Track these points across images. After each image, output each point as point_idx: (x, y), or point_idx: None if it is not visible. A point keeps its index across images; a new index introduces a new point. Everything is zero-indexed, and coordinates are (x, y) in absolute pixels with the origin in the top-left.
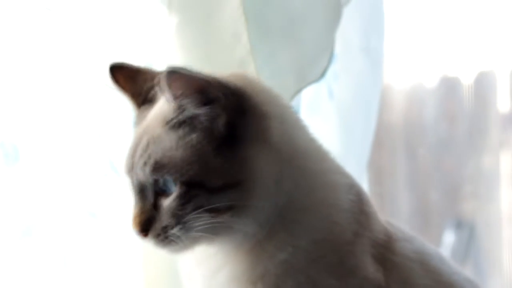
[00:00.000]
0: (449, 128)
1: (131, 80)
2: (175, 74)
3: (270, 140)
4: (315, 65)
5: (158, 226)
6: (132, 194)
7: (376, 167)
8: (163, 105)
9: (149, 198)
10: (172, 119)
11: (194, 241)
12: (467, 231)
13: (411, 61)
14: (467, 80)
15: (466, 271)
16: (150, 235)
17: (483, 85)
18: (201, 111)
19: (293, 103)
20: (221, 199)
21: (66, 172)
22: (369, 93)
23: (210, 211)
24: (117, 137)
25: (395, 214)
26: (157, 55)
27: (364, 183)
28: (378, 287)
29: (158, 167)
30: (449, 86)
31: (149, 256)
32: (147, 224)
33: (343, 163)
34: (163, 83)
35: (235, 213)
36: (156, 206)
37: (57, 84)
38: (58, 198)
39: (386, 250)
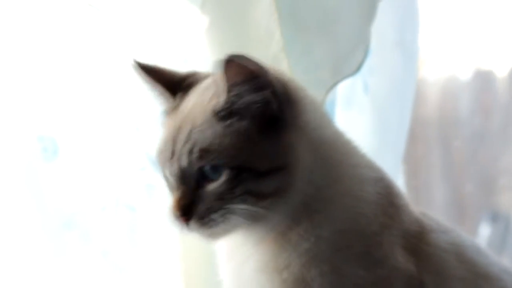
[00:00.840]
0: (483, 120)
1: (159, 73)
2: (231, 62)
3: (305, 127)
4: (350, 59)
5: (201, 208)
6: (170, 182)
7: (411, 160)
8: (203, 94)
9: (191, 183)
10: (224, 108)
11: (234, 225)
12: (503, 223)
13: (445, 54)
14: (501, 73)
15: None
16: (193, 218)
17: None
18: (256, 97)
19: (329, 97)
20: (267, 183)
21: (104, 165)
22: (404, 87)
23: (255, 195)
24: (154, 131)
25: (431, 207)
26: (190, 54)
27: (400, 176)
28: (409, 277)
29: (205, 154)
30: (483, 79)
31: (187, 249)
32: (189, 207)
33: (379, 156)
34: (220, 72)
35: (275, 199)
36: (197, 192)
37: (95, 78)
38: (96, 192)
39: (419, 241)
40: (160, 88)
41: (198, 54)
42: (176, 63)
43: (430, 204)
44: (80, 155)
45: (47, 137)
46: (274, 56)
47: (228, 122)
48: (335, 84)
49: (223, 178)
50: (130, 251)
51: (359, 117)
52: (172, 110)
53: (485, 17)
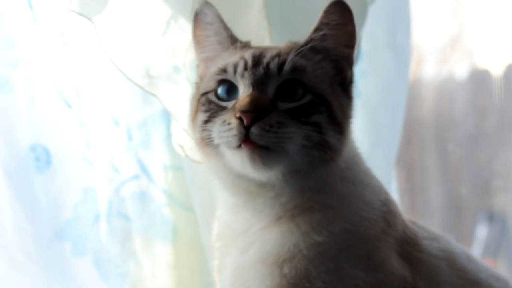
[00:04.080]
0: (479, 121)
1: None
2: (342, 6)
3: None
4: None
5: (273, 118)
6: (244, 86)
7: (407, 162)
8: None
9: (269, 93)
10: (307, 43)
11: (288, 153)
12: (499, 224)
13: (441, 55)
14: (496, 72)
15: (499, 266)
16: (262, 121)
17: None
18: (337, 49)
19: None
20: (332, 134)
21: (97, 174)
22: (396, 90)
23: (321, 137)
24: (146, 141)
25: (427, 209)
26: (179, 62)
27: (393, 180)
28: (404, 282)
29: (299, 70)
30: (479, 79)
31: (180, 258)
32: (262, 110)
33: (372, 160)
34: (328, 6)
35: (326, 157)
36: (273, 103)
37: (86, 85)
38: (89, 201)
39: (412, 248)
40: (228, 32)
41: (187, 63)
42: (166, 70)
43: (426, 206)
44: (73, 164)
45: (40, 146)
46: None
47: (317, 57)
48: None
49: (304, 100)
50: (123, 261)
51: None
52: (243, 46)
53: (479, 16)
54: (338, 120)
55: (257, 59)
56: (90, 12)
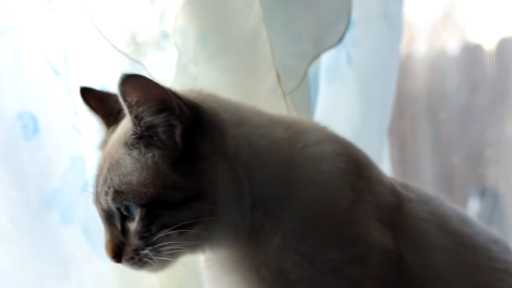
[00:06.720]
0: (471, 94)
1: (102, 101)
2: (130, 81)
3: (227, 148)
4: (332, 31)
5: (129, 249)
6: (101, 223)
7: (399, 134)
8: (124, 125)
9: (117, 224)
10: (130, 135)
11: (169, 258)
12: (491, 197)
13: (433, 31)
14: (489, 47)
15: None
16: (123, 260)
17: (505, 51)
18: (157, 119)
19: (312, 68)
20: (185, 213)
21: (85, 142)
22: (388, 58)
23: (176, 228)
24: None
25: (419, 180)
26: (168, 28)
27: (385, 148)
28: (386, 252)
29: (117, 195)
30: (471, 53)
31: None
32: (118, 249)
33: (364, 128)
34: (119, 90)
35: (204, 225)
36: (124, 231)
37: (75, 54)
38: (78, 169)
39: (395, 212)
40: (98, 119)
41: (177, 29)
42: (153, 36)
43: (418, 177)
44: (60, 132)
45: (27, 113)
46: (253, 27)
47: (137, 151)
48: (317, 56)
49: (137, 216)
50: None
51: (343, 89)
52: (104, 143)
53: None
54: (183, 198)
55: (95, 190)
56: None
